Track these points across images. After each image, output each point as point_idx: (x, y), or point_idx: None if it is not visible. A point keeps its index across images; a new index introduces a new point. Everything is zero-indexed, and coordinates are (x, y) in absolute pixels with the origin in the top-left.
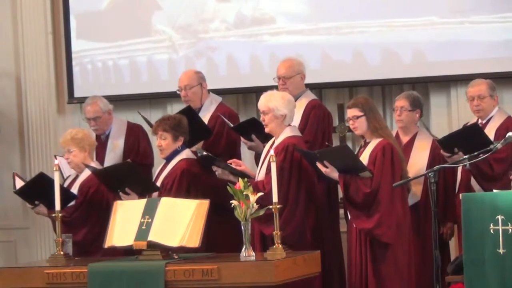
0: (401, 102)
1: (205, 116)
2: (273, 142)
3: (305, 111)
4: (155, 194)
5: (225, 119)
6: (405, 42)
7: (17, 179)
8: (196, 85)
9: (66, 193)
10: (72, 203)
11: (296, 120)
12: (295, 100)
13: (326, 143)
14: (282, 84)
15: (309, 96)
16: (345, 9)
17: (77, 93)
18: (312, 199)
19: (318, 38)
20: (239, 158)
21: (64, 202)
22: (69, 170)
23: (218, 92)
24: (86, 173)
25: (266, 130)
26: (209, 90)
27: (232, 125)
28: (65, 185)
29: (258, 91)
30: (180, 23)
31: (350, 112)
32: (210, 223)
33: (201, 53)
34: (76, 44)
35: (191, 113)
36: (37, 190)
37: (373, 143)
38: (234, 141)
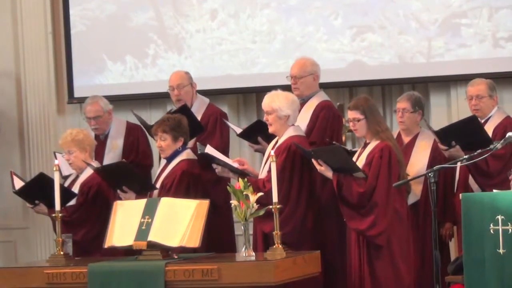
0: (402, 104)
1: (197, 116)
2: (276, 142)
3: (314, 112)
4: (155, 194)
5: (230, 125)
6: (405, 42)
7: (15, 178)
8: (187, 84)
9: (65, 192)
10: (72, 202)
11: (306, 121)
12: (307, 101)
13: (327, 139)
14: (294, 84)
15: (320, 97)
16: (345, 9)
17: (77, 93)
18: (316, 199)
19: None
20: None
21: (63, 201)
22: (68, 168)
23: (218, 92)
24: (87, 173)
25: (270, 130)
26: (212, 90)
27: (238, 133)
28: (66, 185)
29: (258, 91)
30: (179, 24)
31: (351, 114)
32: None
33: (201, 53)
34: (76, 44)
35: (186, 111)
36: (37, 190)
37: (372, 145)
38: (226, 141)
